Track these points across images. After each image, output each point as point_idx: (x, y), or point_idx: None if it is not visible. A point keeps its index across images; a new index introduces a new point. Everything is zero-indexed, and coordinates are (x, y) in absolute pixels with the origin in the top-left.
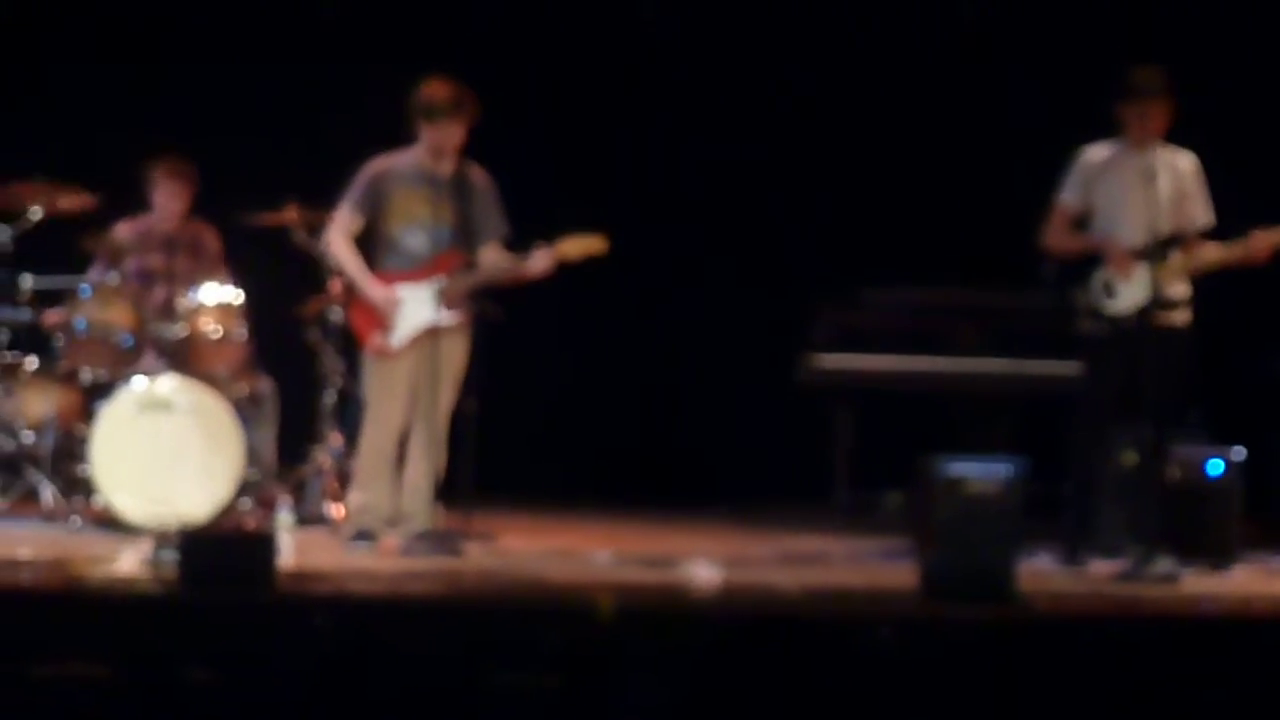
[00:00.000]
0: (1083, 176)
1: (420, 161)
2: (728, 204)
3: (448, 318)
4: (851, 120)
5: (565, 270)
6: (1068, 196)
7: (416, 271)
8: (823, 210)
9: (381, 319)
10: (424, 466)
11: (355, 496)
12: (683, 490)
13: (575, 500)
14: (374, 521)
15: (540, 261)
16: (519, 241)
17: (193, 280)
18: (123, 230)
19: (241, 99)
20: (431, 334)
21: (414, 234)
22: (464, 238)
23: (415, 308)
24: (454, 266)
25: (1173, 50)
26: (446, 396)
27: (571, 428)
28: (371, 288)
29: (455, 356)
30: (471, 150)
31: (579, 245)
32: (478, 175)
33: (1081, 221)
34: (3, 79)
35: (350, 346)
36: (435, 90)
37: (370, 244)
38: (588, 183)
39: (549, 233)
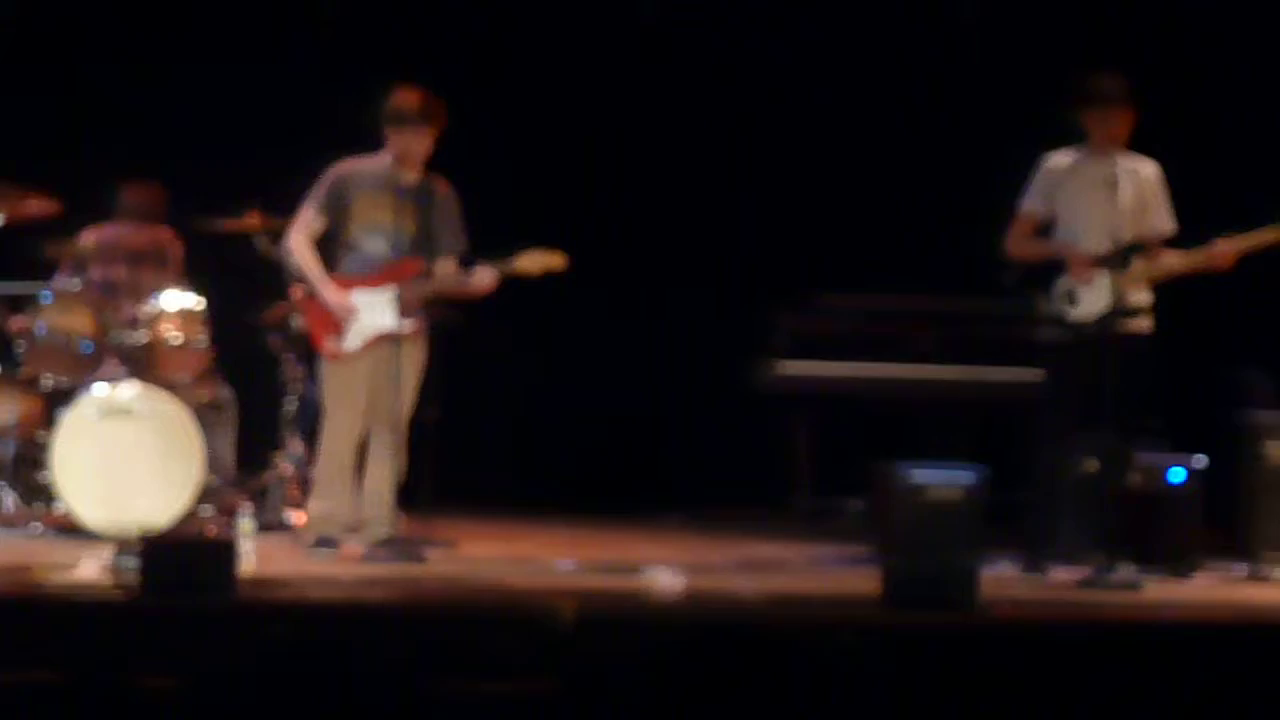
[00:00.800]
0: (1045, 183)
1: (386, 168)
2: (685, 211)
3: (403, 324)
4: (810, 126)
5: (525, 279)
6: (1030, 204)
7: (375, 277)
8: (781, 216)
9: (336, 323)
10: (384, 473)
11: (315, 504)
12: (644, 498)
13: (537, 507)
14: (335, 528)
15: (482, 278)
16: (483, 253)
17: (156, 290)
18: (88, 238)
19: (206, 104)
20: (389, 340)
21: (374, 239)
22: (423, 246)
23: (371, 313)
24: (412, 274)
25: (1135, 56)
26: (406, 403)
27: (533, 435)
28: (328, 291)
29: (413, 363)
30: (437, 161)
31: (538, 261)
32: (442, 187)
33: (1044, 228)
34: None
35: (311, 353)
36: (405, 98)
37: (331, 247)
38: (547, 193)
39: (510, 246)
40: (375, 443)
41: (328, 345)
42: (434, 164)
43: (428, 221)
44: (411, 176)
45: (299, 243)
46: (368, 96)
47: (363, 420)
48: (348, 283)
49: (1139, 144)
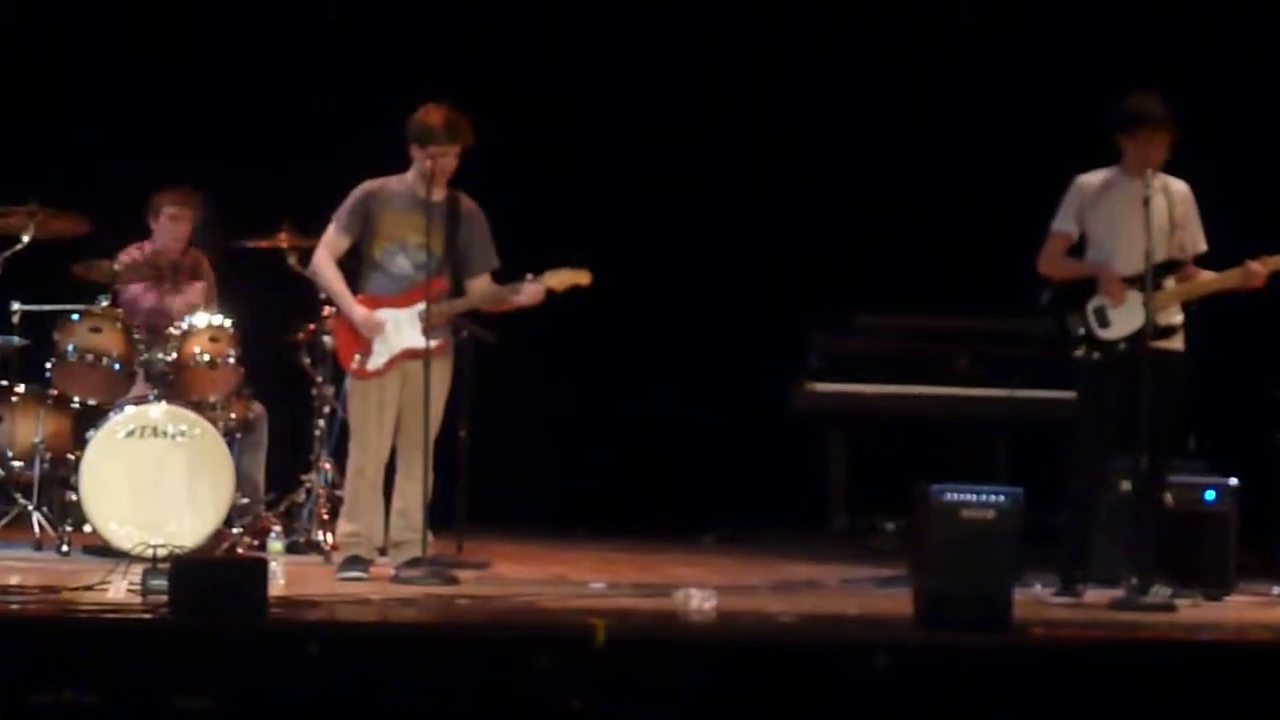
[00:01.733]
0: (1078, 203)
1: (412, 186)
2: (722, 231)
3: (429, 342)
4: (844, 147)
5: (558, 298)
6: (1063, 223)
7: (401, 295)
8: (817, 236)
9: (362, 341)
10: (414, 492)
11: (344, 524)
12: (678, 518)
13: (569, 528)
14: (364, 548)
15: (529, 292)
16: (509, 271)
17: (190, 309)
18: (123, 258)
19: (236, 124)
20: (416, 358)
21: (400, 257)
22: (450, 264)
23: (397, 331)
24: (438, 292)
25: (1168, 76)
26: (433, 422)
27: (566, 455)
28: (353, 309)
29: (439, 381)
30: (463, 179)
31: (565, 277)
32: (468, 204)
33: (1077, 248)
34: (3, 103)
35: (341, 372)
36: (431, 115)
37: (358, 265)
38: (578, 211)
39: (538, 263)
40: (404, 462)
41: (354, 364)
42: (462, 181)
43: (454, 239)
44: (438, 194)
45: (323, 261)
46: (398, 114)
47: (389, 439)
48: (374, 301)
49: (1171, 163)
